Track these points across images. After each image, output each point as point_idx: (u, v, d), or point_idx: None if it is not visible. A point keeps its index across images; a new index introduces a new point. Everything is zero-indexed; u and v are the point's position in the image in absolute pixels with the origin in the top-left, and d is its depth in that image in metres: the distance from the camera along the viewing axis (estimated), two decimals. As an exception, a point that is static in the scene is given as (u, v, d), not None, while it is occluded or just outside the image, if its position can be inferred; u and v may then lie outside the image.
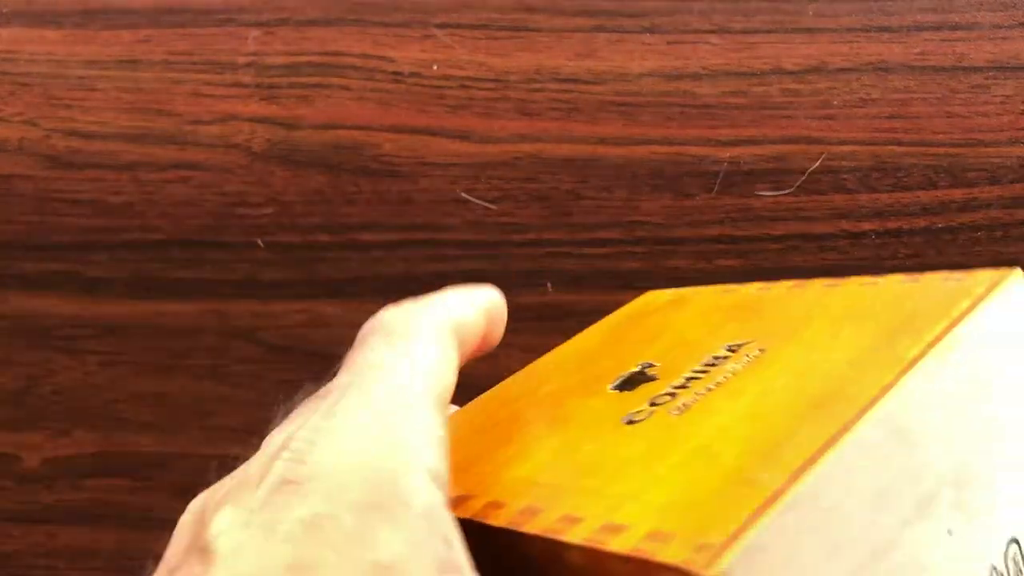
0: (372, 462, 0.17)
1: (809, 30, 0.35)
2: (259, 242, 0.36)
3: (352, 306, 0.35)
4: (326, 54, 0.36)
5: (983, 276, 0.21)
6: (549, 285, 0.35)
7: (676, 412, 0.21)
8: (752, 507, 0.16)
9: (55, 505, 0.36)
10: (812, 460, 0.17)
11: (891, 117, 0.35)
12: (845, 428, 0.18)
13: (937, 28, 0.35)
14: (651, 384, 0.23)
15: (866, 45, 0.35)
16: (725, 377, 0.22)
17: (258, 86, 0.36)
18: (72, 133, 0.36)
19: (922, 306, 0.21)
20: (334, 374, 0.20)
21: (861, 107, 0.35)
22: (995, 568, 0.19)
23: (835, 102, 0.35)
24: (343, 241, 0.35)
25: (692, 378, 0.22)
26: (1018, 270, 0.21)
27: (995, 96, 0.35)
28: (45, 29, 0.37)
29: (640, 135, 0.35)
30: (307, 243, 0.35)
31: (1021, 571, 0.20)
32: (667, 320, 0.26)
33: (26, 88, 0.37)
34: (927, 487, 0.19)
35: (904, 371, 0.18)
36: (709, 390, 0.22)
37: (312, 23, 0.36)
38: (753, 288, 0.26)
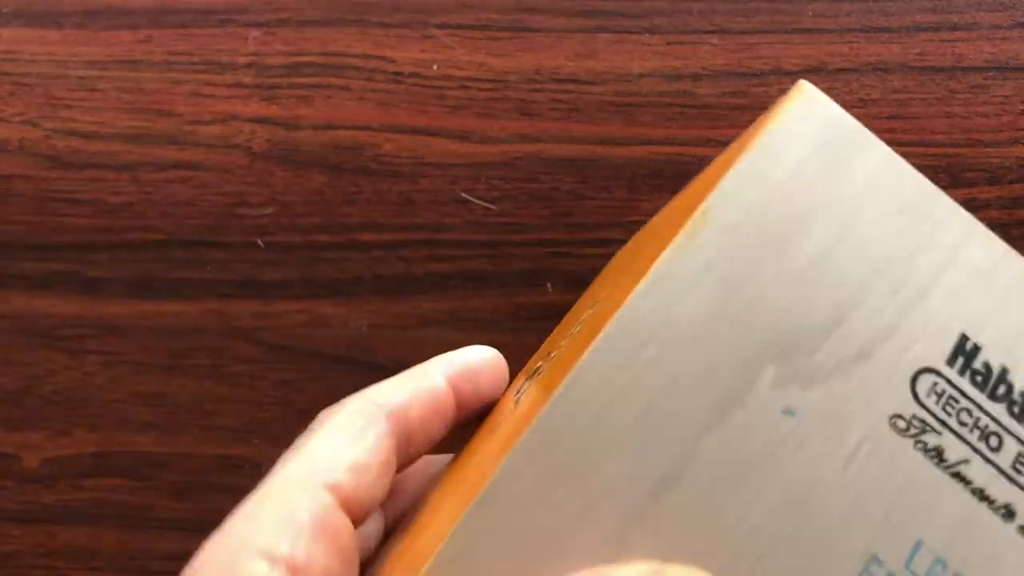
0: (221, 551, 0.19)
1: (809, 30, 0.35)
2: (259, 242, 0.36)
3: (352, 306, 0.35)
4: (326, 54, 0.36)
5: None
6: (549, 285, 0.35)
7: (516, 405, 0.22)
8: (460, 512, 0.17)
9: (55, 505, 0.36)
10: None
11: (890, 117, 0.35)
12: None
13: (936, 28, 0.35)
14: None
15: (866, 45, 0.35)
16: (557, 354, 0.22)
17: (258, 86, 0.36)
18: (72, 133, 0.36)
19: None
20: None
21: (861, 107, 0.35)
22: (899, 416, 0.20)
23: (835, 102, 0.35)
24: (343, 241, 0.35)
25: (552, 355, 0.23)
26: (802, 83, 0.21)
27: (994, 96, 0.35)
28: (45, 29, 0.37)
29: (640, 135, 0.35)
30: (307, 243, 0.35)
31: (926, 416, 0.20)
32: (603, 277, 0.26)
33: (26, 88, 0.37)
34: (725, 379, 0.19)
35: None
36: (538, 376, 0.22)
37: (312, 23, 0.36)
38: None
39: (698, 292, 0.19)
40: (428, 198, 0.35)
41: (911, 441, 0.19)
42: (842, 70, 0.35)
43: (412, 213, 0.35)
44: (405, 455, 0.23)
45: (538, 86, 0.36)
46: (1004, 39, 0.35)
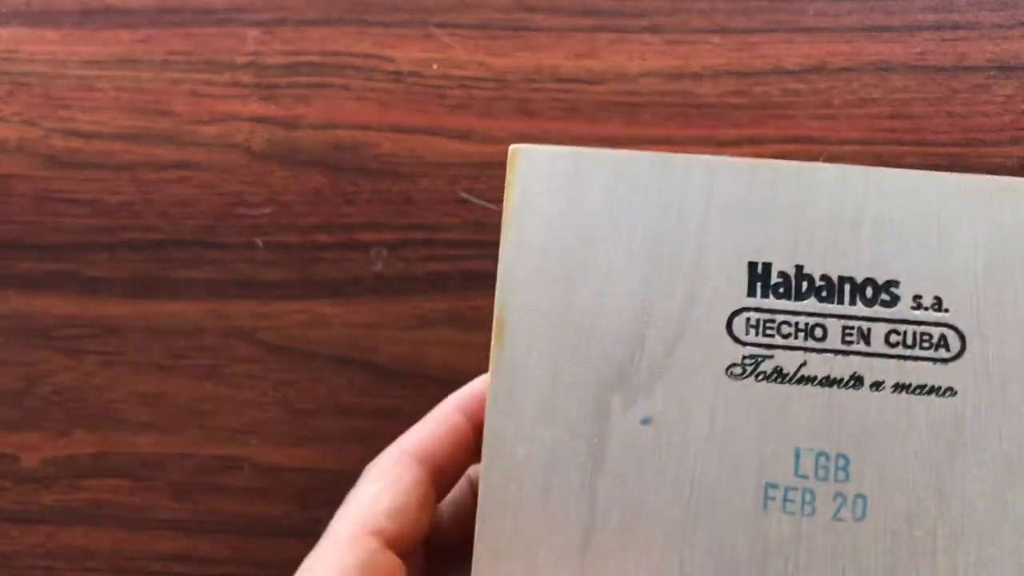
0: None
1: (809, 30, 0.35)
2: (259, 242, 0.36)
3: (352, 306, 0.35)
4: (326, 54, 0.36)
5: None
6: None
7: None
8: None
9: (54, 505, 0.35)
10: None
11: (892, 117, 0.35)
12: None
13: (937, 28, 0.35)
14: None
15: (866, 45, 0.35)
16: None
17: (258, 86, 0.36)
18: (72, 133, 0.36)
19: None
20: None
21: (861, 107, 0.35)
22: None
23: (836, 102, 0.35)
24: (343, 241, 0.35)
25: None
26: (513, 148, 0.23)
27: (996, 96, 0.35)
28: (44, 29, 0.37)
29: (640, 134, 0.35)
30: (306, 243, 0.35)
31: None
32: None
33: (25, 88, 0.37)
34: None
35: None
36: None
37: (312, 23, 0.36)
38: None
39: (536, 371, 0.22)
40: (428, 198, 0.35)
41: (751, 379, 0.22)
42: (843, 69, 0.35)
43: (412, 213, 0.35)
44: (442, 488, 0.27)
45: (538, 86, 0.36)
46: (1006, 38, 0.35)
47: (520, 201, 0.23)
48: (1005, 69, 0.35)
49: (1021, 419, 0.21)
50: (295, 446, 0.35)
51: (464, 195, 0.35)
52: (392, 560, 0.24)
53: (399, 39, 0.36)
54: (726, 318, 0.22)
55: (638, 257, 0.22)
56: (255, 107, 0.36)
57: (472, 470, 0.29)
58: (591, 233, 0.23)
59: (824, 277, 0.22)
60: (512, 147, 0.23)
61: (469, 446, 0.27)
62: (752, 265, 0.22)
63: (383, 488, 0.25)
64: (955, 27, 0.35)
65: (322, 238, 0.35)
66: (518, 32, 0.36)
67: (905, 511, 0.21)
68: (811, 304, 0.22)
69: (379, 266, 0.35)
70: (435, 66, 0.36)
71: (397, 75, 0.36)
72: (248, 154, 0.36)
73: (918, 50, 0.35)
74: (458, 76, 0.36)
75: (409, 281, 0.35)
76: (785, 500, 0.21)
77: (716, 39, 0.36)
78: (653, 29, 0.36)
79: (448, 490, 0.28)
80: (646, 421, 0.22)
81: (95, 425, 0.36)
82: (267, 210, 0.36)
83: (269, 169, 0.36)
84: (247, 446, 0.35)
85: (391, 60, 0.36)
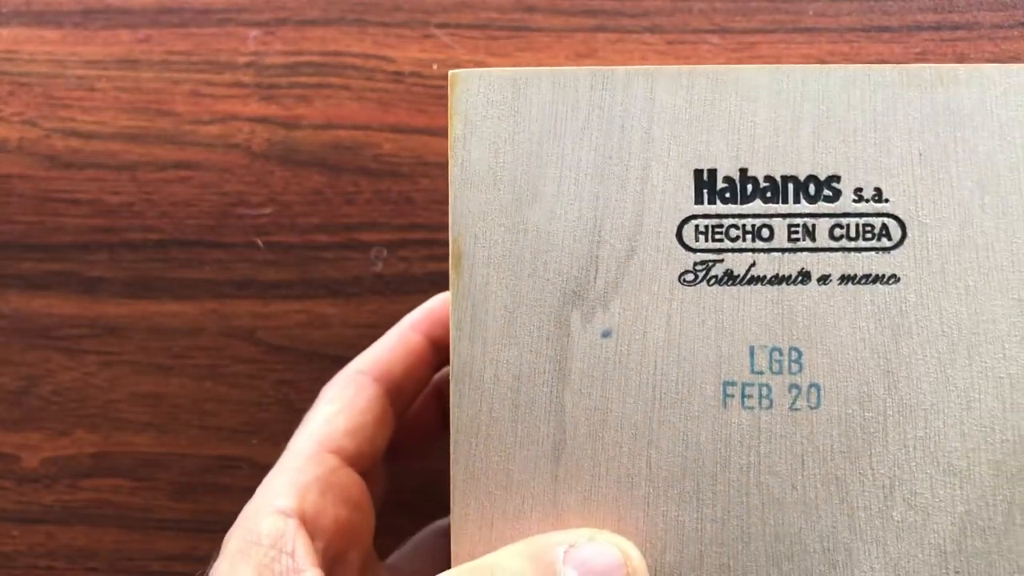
0: (245, 514, 0.23)
1: (809, 30, 0.35)
2: (258, 242, 0.36)
3: (352, 306, 0.35)
4: (326, 54, 0.36)
5: None
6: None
7: None
8: None
9: (54, 505, 0.36)
10: None
11: (891, 117, 0.35)
12: None
13: (937, 28, 0.35)
14: None
15: (866, 45, 0.35)
16: None
17: (258, 86, 0.36)
18: (72, 133, 0.36)
19: None
20: None
21: (861, 107, 0.35)
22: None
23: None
24: (343, 241, 0.35)
25: None
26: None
27: (995, 96, 0.35)
28: (44, 29, 0.37)
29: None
30: (306, 243, 0.35)
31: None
32: None
33: (25, 88, 0.37)
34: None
35: None
36: None
37: (312, 23, 0.36)
38: None
39: (496, 296, 0.23)
40: (428, 198, 0.35)
41: (703, 284, 0.23)
42: (843, 70, 0.35)
43: (412, 213, 0.35)
44: (400, 405, 0.27)
45: (538, 86, 0.36)
46: (1005, 39, 0.35)
47: (463, 128, 0.23)
48: (1005, 69, 0.35)
49: (960, 300, 0.22)
50: (295, 446, 0.35)
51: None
52: (352, 476, 0.25)
53: (399, 39, 0.36)
54: (676, 227, 0.23)
55: (586, 175, 0.23)
56: (255, 107, 0.36)
57: (440, 376, 0.30)
58: (538, 156, 0.23)
59: (768, 178, 0.23)
60: (451, 73, 0.23)
61: (427, 362, 0.28)
62: (698, 173, 0.23)
63: (339, 408, 0.26)
64: (955, 27, 0.35)
65: (322, 238, 0.35)
66: (518, 32, 0.36)
67: (857, 395, 0.22)
68: (757, 206, 0.23)
69: (379, 266, 0.35)
70: (435, 66, 0.36)
71: (397, 75, 0.36)
72: (248, 154, 0.36)
73: (918, 50, 0.35)
74: (458, 76, 0.36)
75: (409, 281, 0.35)
76: (743, 396, 0.23)
77: (716, 39, 0.36)
78: (653, 29, 0.36)
79: (409, 405, 0.28)
80: (606, 334, 0.23)
81: (95, 425, 0.36)
82: (267, 210, 0.36)
83: (269, 169, 0.36)
84: (247, 446, 0.35)
85: (391, 60, 0.36)
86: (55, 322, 0.36)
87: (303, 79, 0.36)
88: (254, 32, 0.36)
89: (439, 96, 0.36)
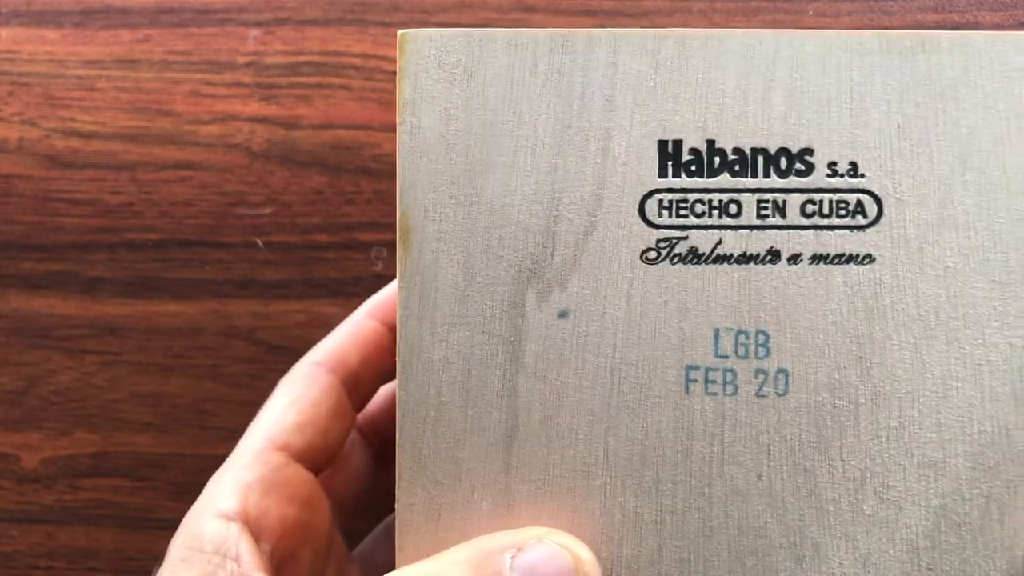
0: (190, 517, 0.23)
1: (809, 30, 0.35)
2: (258, 242, 0.36)
3: (352, 306, 0.35)
4: (326, 54, 0.36)
5: None
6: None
7: None
8: None
9: (54, 505, 0.36)
10: None
11: (892, 117, 0.35)
12: None
13: (938, 28, 0.35)
14: None
15: (867, 45, 0.35)
16: None
17: (258, 86, 0.36)
18: (71, 133, 0.36)
19: None
20: None
21: (862, 107, 0.35)
22: None
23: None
24: (343, 241, 0.35)
25: None
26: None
27: (996, 96, 0.35)
28: (44, 29, 0.37)
29: (640, 135, 0.35)
30: (306, 243, 0.35)
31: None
32: None
33: (25, 88, 0.37)
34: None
35: None
36: None
37: (312, 23, 0.36)
38: None
39: (446, 273, 0.22)
40: (428, 198, 0.35)
41: (666, 262, 0.21)
42: (843, 70, 0.35)
43: (412, 213, 0.35)
44: (360, 394, 0.26)
45: (538, 86, 0.36)
46: (1006, 39, 0.35)
47: (413, 93, 0.22)
48: (1005, 69, 0.35)
49: (938, 282, 0.21)
50: (295, 446, 0.35)
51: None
52: (300, 474, 0.24)
53: (399, 39, 0.36)
54: (638, 201, 0.21)
55: (543, 145, 0.22)
56: (255, 107, 0.36)
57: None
58: (492, 123, 0.22)
59: (737, 151, 0.21)
60: (400, 32, 0.22)
61: (385, 349, 0.27)
62: (662, 144, 0.21)
63: (290, 402, 0.25)
64: (955, 27, 0.35)
65: (322, 238, 0.35)
66: (518, 32, 0.36)
67: (827, 382, 0.21)
68: (724, 180, 0.22)
69: (379, 266, 0.35)
70: (435, 66, 0.36)
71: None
72: (248, 154, 0.36)
73: (918, 50, 0.35)
74: (458, 76, 0.36)
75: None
76: (707, 381, 0.21)
77: (716, 39, 0.36)
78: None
79: (370, 395, 0.27)
80: (563, 314, 0.21)
81: (95, 425, 0.36)
82: (267, 210, 0.36)
83: (269, 169, 0.36)
84: (247, 446, 0.35)
85: (392, 60, 0.36)
86: (55, 322, 0.36)
87: (303, 79, 0.36)
88: (254, 32, 0.36)
89: (439, 96, 0.36)
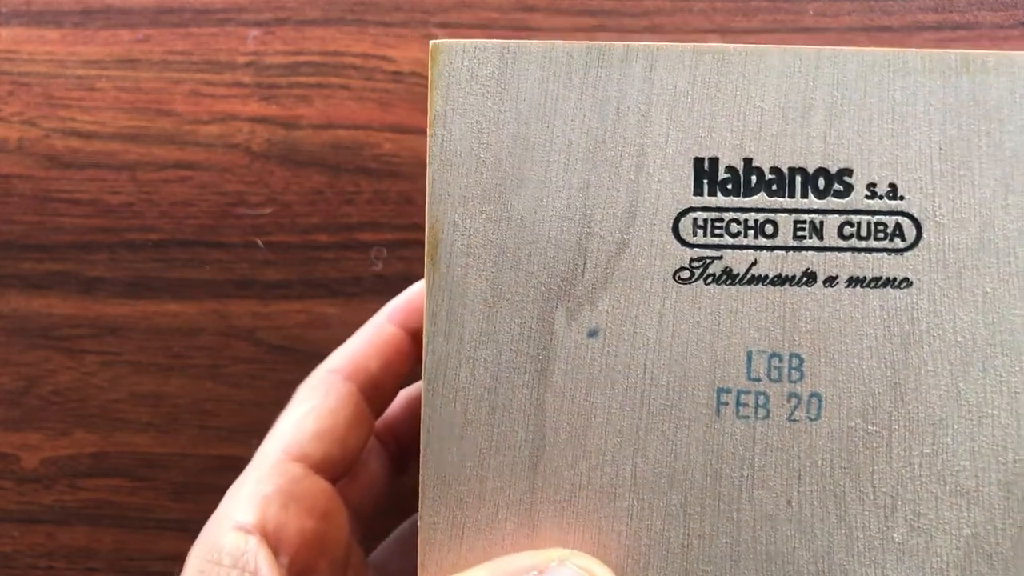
0: (208, 529, 0.23)
1: (809, 30, 0.35)
2: (258, 242, 0.36)
3: (352, 306, 0.35)
4: (326, 54, 0.36)
5: None
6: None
7: None
8: None
9: (54, 505, 0.35)
10: None
11: (892, 117, 0.35)
12: None
13: (938, 28, 0.35)
14: None
15: (867, 44, 0.35)
16: None
17: (257, 86, 0.36)
18: (71, 133, 0.36)
19: None
20: None
21: (862, 107, 0.35)
22: None
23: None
24: (343, 241, 0.35)
25: None
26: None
27: (996, 96, 0.35)
28: (44, 29, 0.37)
29: (640, 135, 0.35)
30: (306, 243, 0.35)
31: None
32: None
33: (25, 88, 0.37)
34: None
35: None
36: None
37: (312, 23, 0.36)
38: None
39: (475, 289, 0.21)
40: (428, 198, 0.35)
41: (700, 282, 0.21)
42: (843, 69, 0.35)
43: (412, 213, 0.35)
44: (380, 400, 0.26)
45: (538, 86, 0.36)
46: (1006, 39, 0.35)
47: (445, 105, 0.21)
48: (1005, 69, 0.35)
49: (976, 308, 0.21)
50: (295, 446, 0.35)
51: (464, 195, 0.35)
52: (318, 484, 0.24)
53: (399, 39, 0.36)
54: (672, 220, 0.21)
55: (577, 160, 0.21)
56: (255, 107, 0.36)
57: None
58: (525, 137, 0.21)
59: (774, 170, 0.21)
60: (432, 43, 0.21)
61: (406, 354, 0.26)
62: (698, 161, 0.21)
63: (308, 411, 0.25)
64: (955, 27, 0.35)
65: (322, 238, 0.35)
66: (518, 32, 0.36)
67: (860, 408, 0.21)
68: (761, 199, 0.21)
69: (379, 266, 0.35)
70: (435, 66, 0.36)
71: (397, 75, 0.36)
72: (248, 154, 0.36)
73: (918, 50, 0.35)
74: (458, 76, 0.36)
75: (409, 281, 0.35)
76: (738, 404, 0.21)
77: (716, 39, 0.36)
78: (653, 29, 0.36)
79: (390, 400, 0.27)
80: (593, 333, 0.21)
81: (95, 425, 0.36)
82: (267, 210, 0.36)
83: (269, 169, 0.36)
84: (247, 446, 0.35)
85: (391, 60, 0.36)
86: (55, 322, 0.36)
87: (303, 79, 0.36)
88: (254, 32, 0.36)
89: (439, 96, 0.36)
